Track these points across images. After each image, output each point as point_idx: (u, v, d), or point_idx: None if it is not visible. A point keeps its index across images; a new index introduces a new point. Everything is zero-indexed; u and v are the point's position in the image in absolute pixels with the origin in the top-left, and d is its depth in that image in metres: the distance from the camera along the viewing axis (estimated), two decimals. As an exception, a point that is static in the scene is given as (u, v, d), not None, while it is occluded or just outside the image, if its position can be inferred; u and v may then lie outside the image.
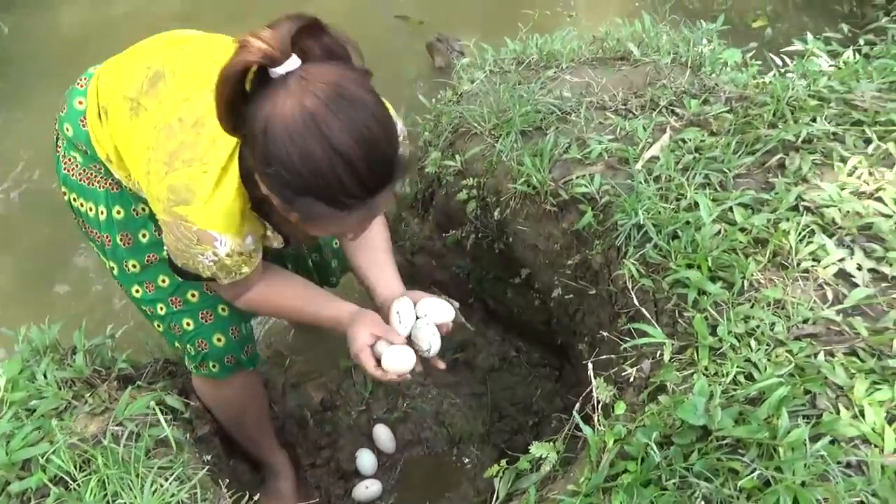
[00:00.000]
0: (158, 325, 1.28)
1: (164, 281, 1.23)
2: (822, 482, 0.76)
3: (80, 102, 1.16)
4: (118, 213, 1.20)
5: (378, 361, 1.12)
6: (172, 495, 0.95)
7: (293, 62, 0.80)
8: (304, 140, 0.80)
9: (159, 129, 1.01)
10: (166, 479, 0.97)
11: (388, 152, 0.86)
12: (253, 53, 0.78)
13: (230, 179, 0.97)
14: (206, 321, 1.27)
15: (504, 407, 1.75)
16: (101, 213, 1.20)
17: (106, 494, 0.95)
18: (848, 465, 0.79)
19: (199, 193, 0.96)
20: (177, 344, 1.30)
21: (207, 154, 0.97)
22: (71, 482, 0.97)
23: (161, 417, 1.06)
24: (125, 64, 1.13)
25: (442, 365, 1.18)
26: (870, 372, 0.87)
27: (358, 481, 1.62)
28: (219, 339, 1.28)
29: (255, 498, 1.03)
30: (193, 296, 1.25)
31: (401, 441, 1.71)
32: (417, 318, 1.16)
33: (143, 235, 1.22)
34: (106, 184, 1.18)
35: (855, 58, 1.59)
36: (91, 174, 1.18)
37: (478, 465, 1.67)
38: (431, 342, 1.13)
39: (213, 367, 1.29)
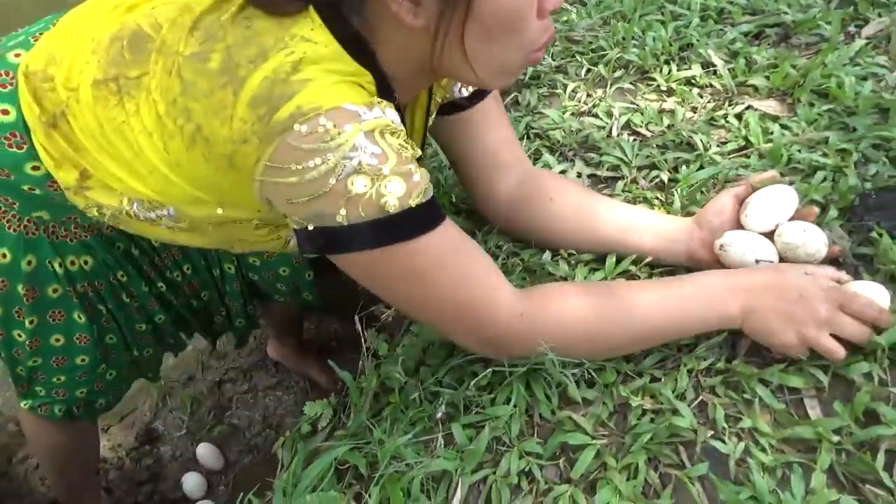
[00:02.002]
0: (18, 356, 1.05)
1: (57, 340, 1.05)
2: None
3: (6, 112, 0.82)
4: (28, 263, 0.96)
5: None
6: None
7: None
8: None
9: (181, 69, 0.68)
10: None
11: None
12: None
13: (329, 52, 0.65)
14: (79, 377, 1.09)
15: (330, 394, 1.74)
16: (3, 256, 0.94)
17: None
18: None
19: (298, 75, 0.63)
20: (19, 369, 1.07)
21: (278, 36, 0.65)
22: None
23: None
24: (60, 49, 0.80)
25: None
26: (588, 262, 0.95)
27: (188, 507, 1.54)
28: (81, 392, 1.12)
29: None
30: (84, 360, 1.08)
31: (231, 454, 1.65)
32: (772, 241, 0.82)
33: (54, 290, 1.00)
34: (20, 226, 0.92)
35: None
36: (1, 210, 0.90)
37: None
38: (806, 241, 0.80)
39: (59, 411, 1.12)
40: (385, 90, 0.70)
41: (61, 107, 0.79)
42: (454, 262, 0.71)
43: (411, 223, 0.66)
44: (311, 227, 0.67)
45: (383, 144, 0.64)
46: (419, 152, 0.69)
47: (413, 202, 0.65)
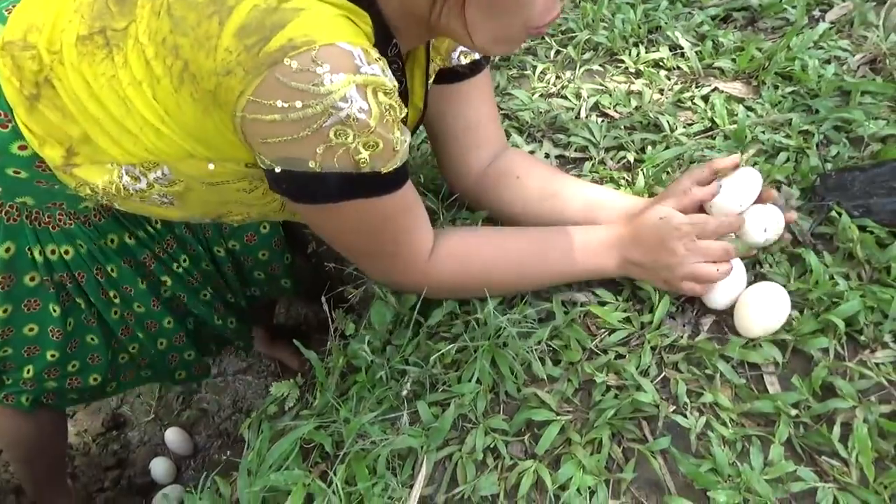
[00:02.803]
0: None
1: (31, 329, 1.00)
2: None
3: None
4: (7, 250, 0.92)
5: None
6: None
7: None
8: None
9: (171, 7, 0.65)
10: None
11: None
12: None
13: None
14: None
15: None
16: None
17: None
18: (540, 316, 0.86)
19: (290, 3, 0.60)
20: None
21: None
22: None
23: None
24: (41, 15, 0.77)
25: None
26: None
27: (156, 492, 1.52)
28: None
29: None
30: (53, 356, 1.03)
31: (201, 438, 1.64)
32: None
33: (32, 279, 0.96)
34: (1, 212, 0.90)
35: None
36: None
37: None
38: (766, 224, 0.81)
39: (26, 401, 1.08)
40: (384, 36, 0.68)
41: (45, 72, 0.75)
42: (402, 218, 0.74)
43: (378, 183, 0.68)
44: (278, 170, 0.66)
45: (373, 102, 0.62)
46: (406, 111, 0.68)
47: (384, 169, 0.66)
